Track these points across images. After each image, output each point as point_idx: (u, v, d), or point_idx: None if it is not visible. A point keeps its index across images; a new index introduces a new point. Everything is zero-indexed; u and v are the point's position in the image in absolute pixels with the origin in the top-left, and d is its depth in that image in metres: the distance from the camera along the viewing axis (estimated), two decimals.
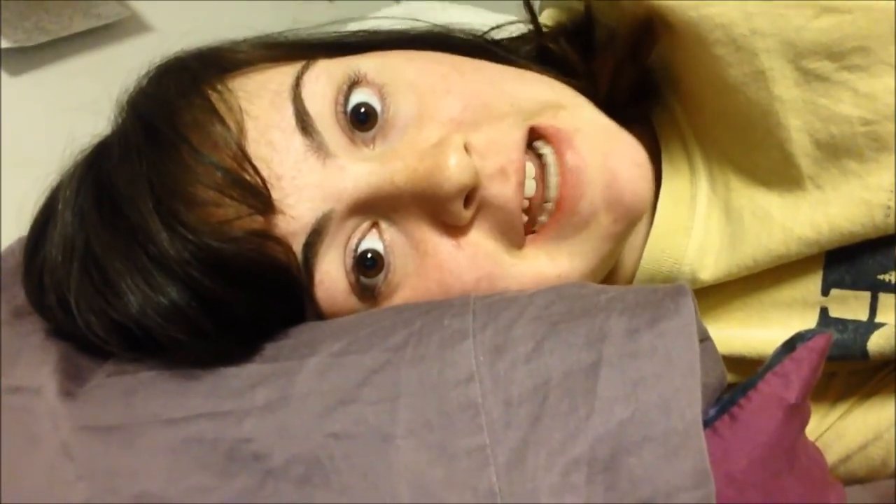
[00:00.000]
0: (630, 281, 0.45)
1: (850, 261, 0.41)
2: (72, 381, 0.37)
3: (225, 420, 0.33)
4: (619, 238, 0.40)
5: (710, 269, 0.43)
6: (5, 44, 0.71)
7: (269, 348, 0.36)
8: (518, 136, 0.39)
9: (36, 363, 0.38)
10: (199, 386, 0.35)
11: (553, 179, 0.39)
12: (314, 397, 0.33)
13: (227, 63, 0.41)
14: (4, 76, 0.73)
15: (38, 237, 0.41)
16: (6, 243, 0.48)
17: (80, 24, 0.78)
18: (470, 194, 0.37)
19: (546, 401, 0.31)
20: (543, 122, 0.39)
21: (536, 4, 0.56)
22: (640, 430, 0.30)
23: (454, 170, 0.35)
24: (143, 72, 0.42)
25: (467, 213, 0.37)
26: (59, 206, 0.39)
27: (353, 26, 0.48)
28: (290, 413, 0.33)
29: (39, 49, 0.75)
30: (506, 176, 0.38)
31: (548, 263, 0.39)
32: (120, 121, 0.41)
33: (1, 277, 0.45)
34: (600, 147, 0.39)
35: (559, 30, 0.49)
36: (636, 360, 0.31)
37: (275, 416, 0.33)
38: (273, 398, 0.33)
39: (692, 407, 0.30)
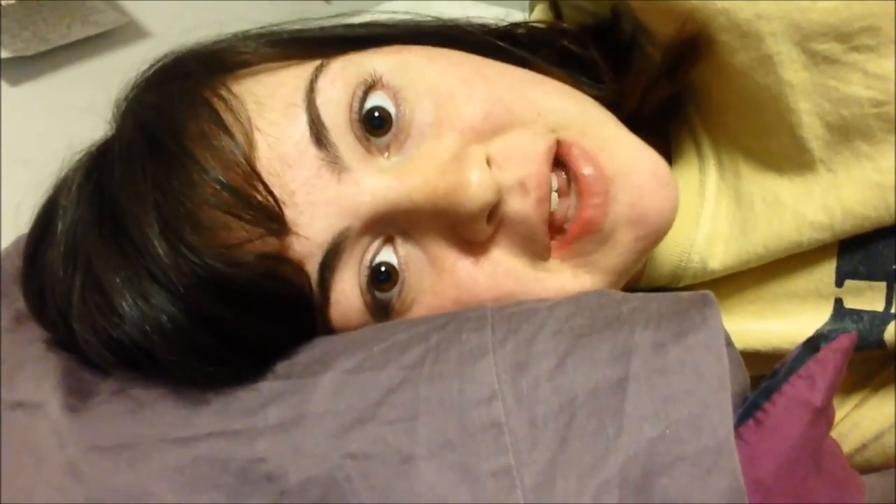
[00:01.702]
0: (640, 271, 0.44)
1: (863, 250, 0.40)
2: (75, 396, 0.36)
3: (236, 439, 0.32)
4: (643, 254, 0.39)
5: (719, 256, 0.42)
6: (4, 53, 0.71)
7: (281, 365, 0.35)
8: (542, 148, 0.37)
9: (38, 377, 0.37)
10: (208, 404, 0.34)
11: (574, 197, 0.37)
12: (329, 416, 0.32)
13: (231, 63, 0.39)
14: (4, 86, 0.72)
15: (37, 247, 0.39)
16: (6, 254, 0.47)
17: (78, 32, 0.77)
18: (492, 210, 0.35)
19: (573, 420, 0.30)
20: (569, 137, 0.37)
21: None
22: (671, 449, 0.29)
23: (476, 188, 0.34)
24: (140, 72, 0.40)
25: (489, 229, 0.36)
26: (59, 218, 0.38)
27: (358, 20, 0.46)
28: (305, 432, 0.32)
29: (39, 58, 0.74)
30: (525, 190, 0.36)
31: (571, 279, 0.38)
32: (119, 126, 0.39)
33: (1, 281, 0.44)
34: (625, 165, 0.37)
35: (583, 32, 0.47)
36: (665, 375, 0.30)
37: (289, 436, 0.32)
38: (286, 417, 0.32)
39: (724, 424, 0.29)
